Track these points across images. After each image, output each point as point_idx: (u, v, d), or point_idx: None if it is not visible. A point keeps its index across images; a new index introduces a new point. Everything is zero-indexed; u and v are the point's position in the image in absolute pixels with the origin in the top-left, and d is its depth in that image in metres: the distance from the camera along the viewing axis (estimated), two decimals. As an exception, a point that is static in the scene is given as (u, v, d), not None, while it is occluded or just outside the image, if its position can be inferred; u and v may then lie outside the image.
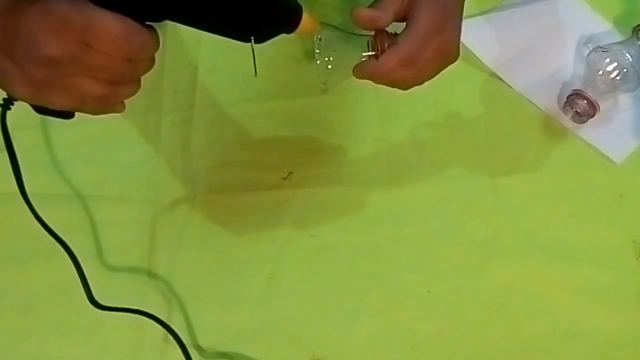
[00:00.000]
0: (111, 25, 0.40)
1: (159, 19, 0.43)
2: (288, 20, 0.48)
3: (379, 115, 0.76)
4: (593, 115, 0.73)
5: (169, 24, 0.44)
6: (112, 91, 0.44)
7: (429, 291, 0.67)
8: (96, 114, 0.45)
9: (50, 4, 0.39)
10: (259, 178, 0.73)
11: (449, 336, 0.65)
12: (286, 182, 0.72)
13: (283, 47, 0.76)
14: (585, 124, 0.74)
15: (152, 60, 0.45)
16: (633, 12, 0.82)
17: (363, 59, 0.54)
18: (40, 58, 0.40)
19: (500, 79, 0.78)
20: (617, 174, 0.73)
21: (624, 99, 0.77)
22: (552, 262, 0.68)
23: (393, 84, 0.55)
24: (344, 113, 0.76)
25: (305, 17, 0.48)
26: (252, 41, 0.46)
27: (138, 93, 0.46)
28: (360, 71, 0.55)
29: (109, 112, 0.46)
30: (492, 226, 0.70)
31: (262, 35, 0.46)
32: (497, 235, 0.70)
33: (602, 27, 0.81)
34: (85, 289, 0.57)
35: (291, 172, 0.73)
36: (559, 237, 0.70)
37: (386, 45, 0.53)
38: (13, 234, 0.69)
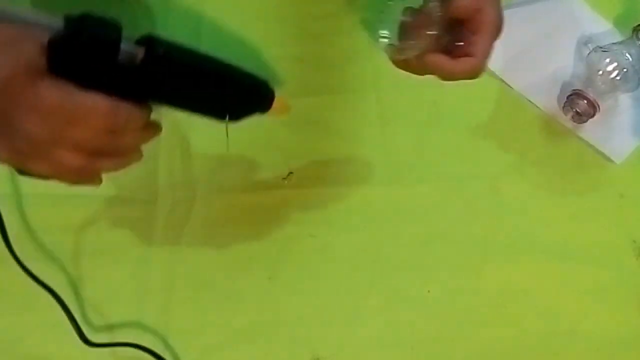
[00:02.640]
0: (99, 106, 0.42)
1: (142, 100, 0.46)
2: (261, 104, 0.53)
3: (379, 115, 0.76)
4: (593, 115, 0.73)
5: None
6: (91, 163, 0.44)
7: (429, 291, 0.67)
8: (74, 184, 0.46)
9: (41, 90, 0.40)
10: (259, 178, 0.73)
11: (449, 336, 0.65)
12: (286, 182, 0.72)
13: (284, 47, 0.76)
14: (585, 124, 0.74)
15: (136, 132, 0.46)
16: (633, 12, 0.82)
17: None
18: (25, 135, 0.41)
19: (500, 79, 0.78)
20: (617, 174, 0.73)
21: (624, 99, 0.77)
22: (552, 262, 0.69)
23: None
24: (344, 113, 0.76)
25: (276, 100, 0.52)
26: (227, 119, 0.50)
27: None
28: (431, 64, 0.54)
29: (86, 184, 0.47)
30: (492, 226, 0.70)
31: (236, 116, 0.51)
32: (497, 235, 0.70)
33: (602, 27, 0.81)
34: (75, 329, 0.59)
35: (291, 172, 0.72)
36: (559, 237, 0.70)
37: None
38: (13, 233, 0.68)
